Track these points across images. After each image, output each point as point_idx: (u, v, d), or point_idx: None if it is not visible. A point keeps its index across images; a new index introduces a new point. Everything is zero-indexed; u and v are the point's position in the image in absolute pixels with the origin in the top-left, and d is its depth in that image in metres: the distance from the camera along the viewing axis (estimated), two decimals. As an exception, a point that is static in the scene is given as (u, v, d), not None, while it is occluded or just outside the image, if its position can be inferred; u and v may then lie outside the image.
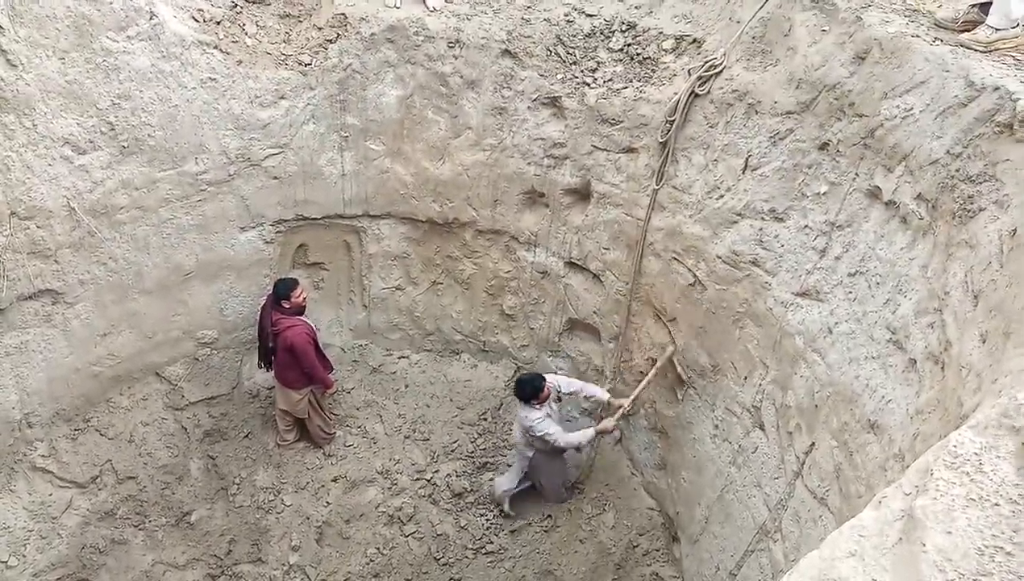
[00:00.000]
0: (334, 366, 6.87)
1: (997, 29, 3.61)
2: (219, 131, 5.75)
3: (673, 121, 5.21)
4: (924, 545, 1.43)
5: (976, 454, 1.56)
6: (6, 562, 5.58)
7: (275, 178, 6.23)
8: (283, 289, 6.09)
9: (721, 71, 4.98)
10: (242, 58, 5.67)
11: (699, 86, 5.06)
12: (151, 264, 5.96)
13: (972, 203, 3.25)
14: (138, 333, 6.18)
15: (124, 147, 5.34)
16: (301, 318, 6.15)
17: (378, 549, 6.48)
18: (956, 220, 3.32)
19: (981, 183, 3.23)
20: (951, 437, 1.63)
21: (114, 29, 4.98)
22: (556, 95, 5.88)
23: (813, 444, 4.16)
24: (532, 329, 7.18)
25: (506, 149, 6.25)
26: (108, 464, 6.17)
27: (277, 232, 6.60)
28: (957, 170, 3.36)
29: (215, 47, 5.53)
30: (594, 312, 6.57)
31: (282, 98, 5.90)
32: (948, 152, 3.42)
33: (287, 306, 6.07)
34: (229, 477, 6.59)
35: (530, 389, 5.76)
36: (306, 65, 5.90)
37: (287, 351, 6.10)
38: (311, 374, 6.27)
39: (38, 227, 5.15)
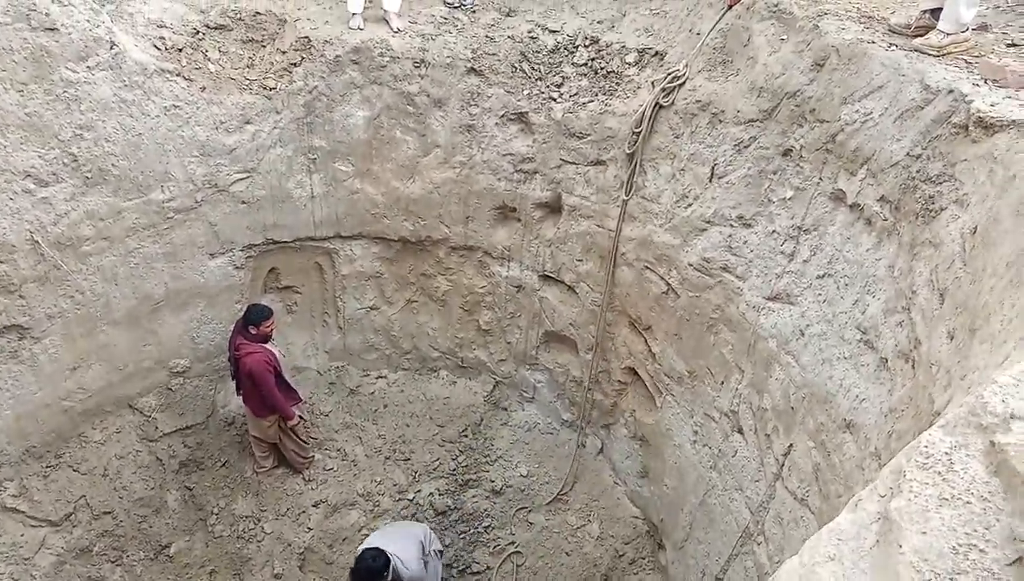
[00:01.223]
0: (310, 390, 6.79)
1: (948, 34, 3.71)
2: (184, 158, 5.69)
3: (639, 133, 5.28)
4: (900, 547, 1.45)
5: (947, 453, 1.59)
6: (-22, 608, 5.43)
7: (243, 203, 6.18)
8: (255, 315, 5.97)
9: (684, 82, 5.06)
10: (206, 84, 5.63)
11: (663, 98, 5.13)
12: (119, 295, 5.86)
13: (933, 203, 3.32)
14: (109, 365, 6.07)
15: (88, 178, 5.27)
16: (264, 345, 6.03)
17: (363, 573, 6.40)
18: (919, 220, 3.39)
19: (941, 183, 3.30)
20: (922, 438, 1.65)
21: (74, 60, 4.92)
22: (523, 111, 5.92)
23: (791, 445, 4.20)
24: (509, 343, 7.18)
25: (475, 166, 6.27)
26: (82, 500, 6.03)
27: (247, 257, 6.54)
28: (918, 171, 3.44)
29: (178, 74, 5.48)
30: (570, 324, 6.59)
31: (248, 123, 5.86)
32: (908, 154, 3.50)
33: (253, 332, 5.96)
34: (207, 507, 6.48)
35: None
36: (271, 89, 5.87)
37: (248, 377, 5.98)
38: (271, 403, 6.11)
39: (1, 262, 5.04)
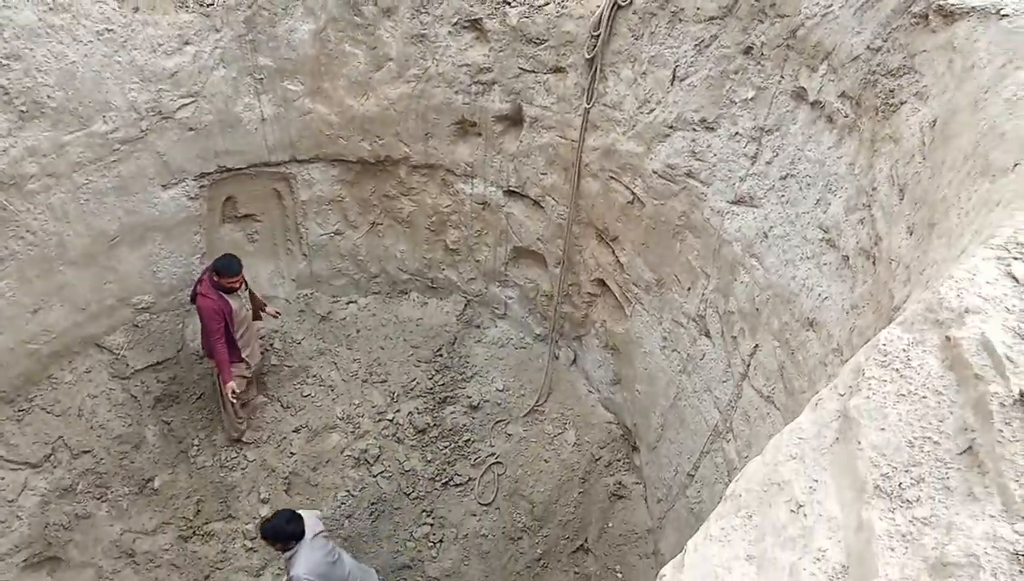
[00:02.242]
0: (280, 320, 6.71)
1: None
2: (124, 85, 5.41)
3: (598, 36, 5.10)
4: (859, 443, 1.49)
5: (904, 350, 1.62)
6: (-34, 551, 5.48)
7: (191, 130, 5.93)
8: (220, 266, 5.78)
9: (642, -21, 4.85)
10: (138, 4, 5.29)
11: (621, -3, 4.94)
12: (73, 233, 5.68)
13: (893, 97, 3.28)
14: (70, 305, 5.95)
15: (23, 112, 4.99)
16: (224, 294, 5.84)
17: (348, 492, 6.56)
18: (879, 115, 3.36)
19: (901, 76, 3.25)
20: (880, 335, 1.68)
21: (-11, -17, 4.57)
22: (477, 17, 5.68)
23: (757, 346, 4.30)
24: (478, 261, 7.15)
25: (431, 79, 6.06)
26: (60, 440, 6.03)
27: (201, 186, 6.34)
28: (878, 65, 3.38)
29: (107, -6, 5.14)
30: (538, 238, 6.56)
31: (186, 44, 5.56)
32: (868, 47, 3.43)
33: (216, 280, 5.81)
34: (187, 440, 6.52)
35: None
36: (208, 5, 5.54)
37: (199, 318, 5.94)
38: (211, 351, 5.98)
39: (-59, 207, 4.83)
